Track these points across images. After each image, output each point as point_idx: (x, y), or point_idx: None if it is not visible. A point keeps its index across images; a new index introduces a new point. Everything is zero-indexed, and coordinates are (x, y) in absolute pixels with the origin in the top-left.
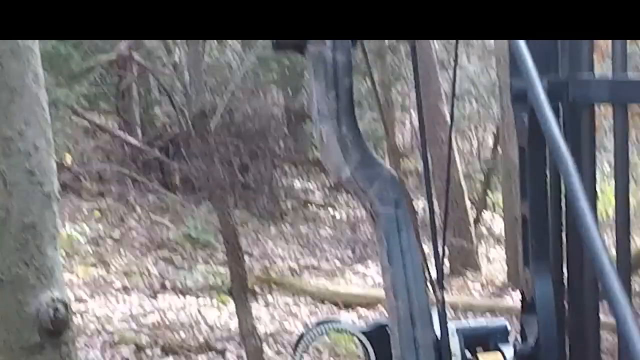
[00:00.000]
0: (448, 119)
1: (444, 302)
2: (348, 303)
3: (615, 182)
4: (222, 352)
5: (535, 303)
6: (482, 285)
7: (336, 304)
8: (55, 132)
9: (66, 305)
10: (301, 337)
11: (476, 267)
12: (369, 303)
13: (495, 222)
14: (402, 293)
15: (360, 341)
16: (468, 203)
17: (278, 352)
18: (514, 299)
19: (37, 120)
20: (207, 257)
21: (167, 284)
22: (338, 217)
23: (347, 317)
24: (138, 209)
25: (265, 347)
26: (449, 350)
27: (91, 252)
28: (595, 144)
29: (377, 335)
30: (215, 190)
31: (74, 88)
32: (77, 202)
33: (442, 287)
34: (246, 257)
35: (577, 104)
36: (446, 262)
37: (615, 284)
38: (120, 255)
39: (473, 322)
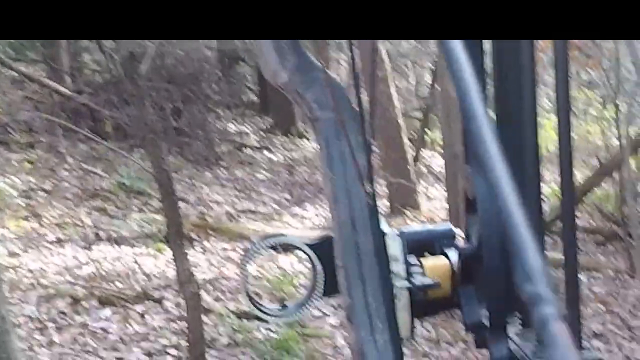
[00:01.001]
0: (385, 56)
1: (374, 196)
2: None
3: (558, 117)
4: (159, 301)
5: (477, 202)
6: (423, 223)
7: (274, 248)
8: None
9: None
10: (247, 252)
11: (416, 206)
12: None
13: (434, 160)
14: (343, 199)
15: (307, 254)
16: (407, 142)
17: (217, 299)
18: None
19: None
20: (142, 205)
21: (102, 234)
22: (274, 159)
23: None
24: (69, 159)
25: (203, 294)
26: (386, 253)
27: (23, 205)
28: (535, 78)
29: (323, 247)
30: (147, 136)
31: None
32: (6, 154)
33: (371, 182)
34: (182, 204)
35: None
36: (385, 201)
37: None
38: (53, 207)
39: (418, 226)
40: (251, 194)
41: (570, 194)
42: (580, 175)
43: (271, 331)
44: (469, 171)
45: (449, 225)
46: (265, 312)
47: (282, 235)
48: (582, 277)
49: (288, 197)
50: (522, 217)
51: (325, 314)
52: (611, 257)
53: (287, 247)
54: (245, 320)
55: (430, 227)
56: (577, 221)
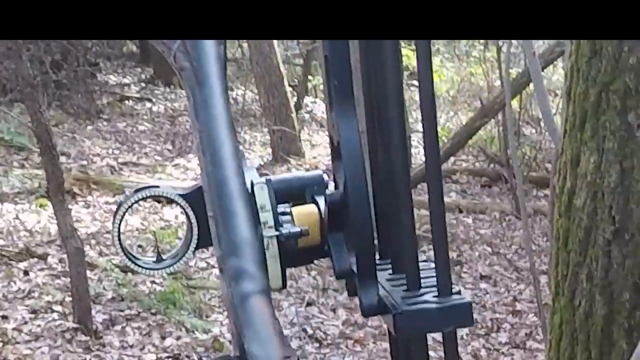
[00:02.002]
0: None
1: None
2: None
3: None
4: (43, 257)
5: (340, 146)
6: (307, 170)
7: (158, 200)
8: None
9: None
10: (120, 205)
11: (300, 153)
12: None
13: (317, 106)
14: (210, 148)
15: (179, 205)
16: (288, 89)
17: (101, 253)
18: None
19: None
20: (23, 160)
21: None
22: (156, 110)
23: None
24: None
25: (87, 248)
26: (254, 201)
27: None
28: (400, 72)
29: (196, 198)
30: (26, 90)
31: None
32: None
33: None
34: (63, 158)
35: None
36: (269, 149)
37: None
38: None
39: (288, 175)
40: (133, 146)
41: (433, 134)
42: (464, 118)
43: (156, 284)
44: (332, 116)
45: (319, 172)
46: (140, 266)
47: (154, 186)
48: (468, 219)
49: (170, 147)
50: (235, 188)
51: (211, 265)
52: (497, 199)
53: (160, 199)
54: (130, 274)
55: (299, 174)
56: (462, 164)
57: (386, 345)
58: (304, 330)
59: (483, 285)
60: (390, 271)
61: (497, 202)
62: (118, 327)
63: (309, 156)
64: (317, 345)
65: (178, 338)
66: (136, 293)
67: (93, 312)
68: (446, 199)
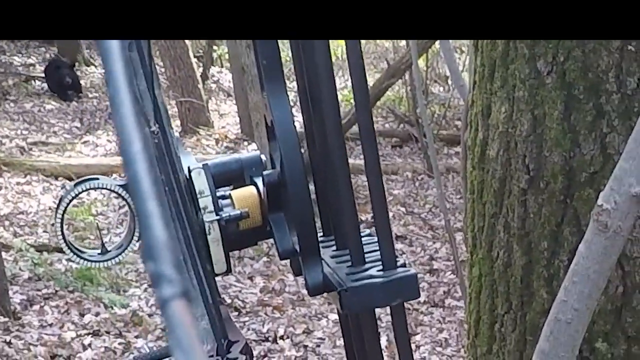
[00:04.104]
0: None
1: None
2: (81, 175)
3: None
4: None
5: (274, 126)
6: (217, 140)
7: (70, 178)
8: None
9: None
10: (61, 199)
11: (208, 124)
12: (103, 172)
13: (223, 76)
14: (120, 147)
15: (120, 195)
16: (194, 59)
17: (15, 234)
18: (249, 150)
19: None
20: None
21: None
22: None
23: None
24: None
25: (0, 230)
26: (193, 187)
27: None
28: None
29: None
30: None
31: None
32: None
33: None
34: None
35: None
36: (177, 121)
37: None
38: None
39: (225, 157)
40: (42, 126)
41: (364, 99)
42: (371, 79)
43: (72, 261)
44: (265, 97)
45: (256, 153)
46: (86, 259)
47: (94, 178)
48: None
49: (78, 125)
50: (149, 187)
51: None
52: (408, 159)
53: (102, 190)
54: (45, 253)
55: (236, 156)
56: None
57: (305, 310)
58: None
59: (399, 245)
60: (334, 247)
61: (408, 162)
62: (36, 307)
63: (217, 126)
64: (236, 313)
65: (97, 314)
66: (53, 272)
67: (10, 293)
68: (357, 161)
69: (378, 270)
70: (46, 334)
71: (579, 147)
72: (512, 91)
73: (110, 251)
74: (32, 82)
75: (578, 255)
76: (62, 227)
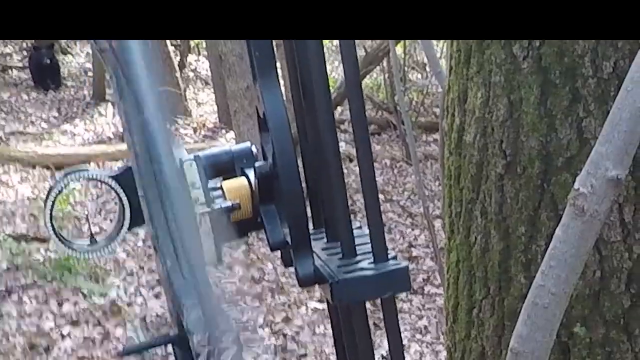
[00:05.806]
0: None
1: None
2: (59, 164)
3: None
4: None
5: (267, 118)
6: (195, 129)
7: (47, 167)
8: None
9: None
10: (50, 189)
11: (187, 113)
12: (81, 161)
13: (200, 64)
14: (136, 127)
15: (111, 186)
16: (171, 48)
17: None
18: (227, 139)
19: None
20: None
21: None
22: None
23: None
24: None
25: None
26: (185, 179)
27: None
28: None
29: (126, 178)
30: None
31: None
32: None
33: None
34: None
35: None
36: None
37: None
38: None
39: (216, 149)
40: (19, 115)
41: (357, 89)
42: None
43: (50, 251)
44: (257, 88)
45: (247, 145)
46: (75, 250)
47: (84, 170)
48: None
49: (56, 114)
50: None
51: (103, 230)
52: (387, 146)
53: (90, 181)
54: (23, 243)
55: (227, 148)
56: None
57: (284, 298)
58: None
59: None
60: (325, 240)
61: (387, 149)
62: (15, 297)
63: (195, 114)
64: None
65: (75, 304)
66: (31, 262)
67: None
68: (344, 149)
69: (369, 263)
70: (25, 324)
71: (555, 132)
72: (488, 76)
73: (99, 242)
74: (9, 71)
75: (555, 239)
76: (51, 217)
